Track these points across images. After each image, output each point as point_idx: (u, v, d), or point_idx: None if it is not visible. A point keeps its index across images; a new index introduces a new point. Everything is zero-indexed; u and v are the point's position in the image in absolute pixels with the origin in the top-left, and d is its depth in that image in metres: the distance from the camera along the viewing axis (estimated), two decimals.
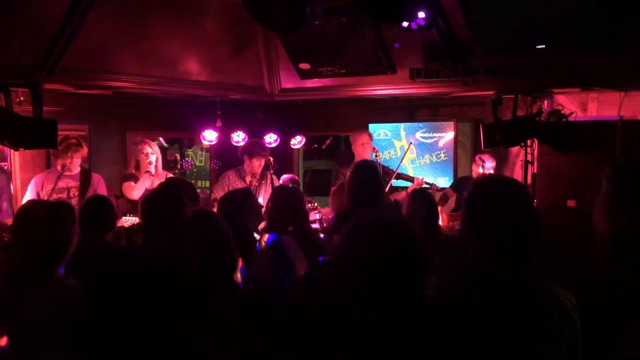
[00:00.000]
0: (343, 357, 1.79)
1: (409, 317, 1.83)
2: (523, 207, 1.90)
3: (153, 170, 5.28)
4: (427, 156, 6.81)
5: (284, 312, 2.01)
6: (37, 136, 4.34)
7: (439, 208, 5.70)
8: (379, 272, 1.81)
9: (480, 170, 5.76)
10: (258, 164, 5.60)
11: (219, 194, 5.48)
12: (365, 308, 1.81)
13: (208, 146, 7.10)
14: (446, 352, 1.77)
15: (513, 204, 1.89)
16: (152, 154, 5.33)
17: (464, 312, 1.81)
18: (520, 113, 5.01)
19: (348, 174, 5.62)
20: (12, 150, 5.34)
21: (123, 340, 2.06)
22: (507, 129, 4.89)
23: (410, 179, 6.06)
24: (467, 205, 1.98)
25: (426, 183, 5.96)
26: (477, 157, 5.92)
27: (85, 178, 5.20)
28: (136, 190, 5.21)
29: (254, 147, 5.69)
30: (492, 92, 5.04)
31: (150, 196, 2.71)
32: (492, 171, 5.80)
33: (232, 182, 5.66)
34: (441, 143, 6.68)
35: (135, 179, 5.32)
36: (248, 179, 5.64)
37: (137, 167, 5.40)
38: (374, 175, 4.07)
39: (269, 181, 5.77)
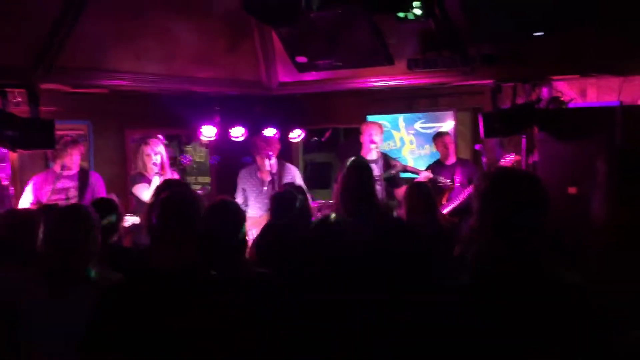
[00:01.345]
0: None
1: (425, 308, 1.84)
2: (539, 200, 1.90)
3: (159, 170, 5.17)
4: (427, 146, 6.80)
5: None
6: (35, 137, 4.34)
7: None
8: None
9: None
10: (266, 160, 5.53)
11: (240, 197, 5.58)
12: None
13: (207, 142, 7.09)
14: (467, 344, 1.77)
15: (530, 197, 1.89)
16: (156, 154, 5.19)
17: (482, 304, 1.80)
18: (519, 101, 4.98)
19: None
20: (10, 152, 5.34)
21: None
22: (507, 117, 4.87)
23: (416, 172, 6.00)
24: (483, 199, 1.96)
25: (433, 177, 5.86)
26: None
27: (83, 178, 5.14)
28: (149, 193, 5.11)
29: (258, 144, 5.64)
30: (490, 81, 5.01)
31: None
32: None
33: (246, 181, 5.62)
34: None
35: (144, 179, 5.19)
36: (260, 175, 5.60)
37: (144, 166, 5.25)
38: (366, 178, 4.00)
39: (286, 170, 5.70)
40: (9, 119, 4.28)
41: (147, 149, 5.22)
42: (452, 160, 5.94)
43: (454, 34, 4.77)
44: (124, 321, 1.99)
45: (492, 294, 1.81)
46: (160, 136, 5.58)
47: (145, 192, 5.03)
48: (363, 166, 3.05)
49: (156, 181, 5.04)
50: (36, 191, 4.92)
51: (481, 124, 4.91)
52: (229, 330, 2.01)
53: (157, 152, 5.21)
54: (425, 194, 3.92)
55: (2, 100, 4.32)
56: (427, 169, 5.99)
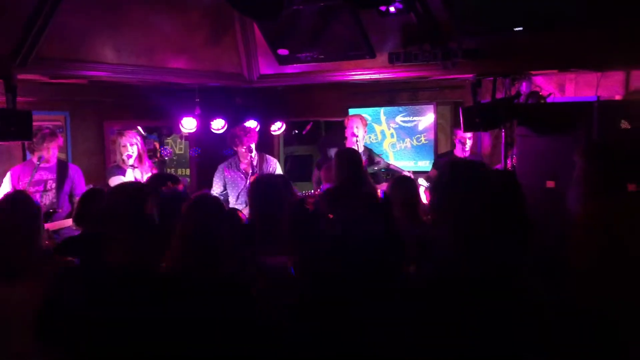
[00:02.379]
0: None
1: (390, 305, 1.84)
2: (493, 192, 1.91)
3: (133, 162, 5.16)
4: (407, 140, 6.83)
5: None
6: (12, 128, 4.26)
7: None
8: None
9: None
10: (246, 150, 5.49)
11: (218, 187, 5.51)
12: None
13: (187, 134, 7.04)
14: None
15: (481, 188, 1.89)
16: (132, 145, 5.19)
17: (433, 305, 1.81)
18: (498, 95, 5.03)
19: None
20: None
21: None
22: (487, 111, 4.91)
23: (400, 171, 5.99)
24: (434, 191, 1.98)
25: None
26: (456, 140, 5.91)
27: (62, 169, 5.13)
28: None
29: (237, 136, 5.59)
30: (471, 75, 5.05)
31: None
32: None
33: (227, 174, 5.56)
34: (421, 126, 6.70)
35: (120, 170, 5.20)
36: (242, 166, 5.55)
37: (121, 158, 5.24)
38: (359, 159, 4.39)
39: (266, 162, 5.67)
40: None
41: (122, 140, 5.22)
42: (466, 154, 5.85)
43: (435, 28, 4.79)
44: (68, 307, 2.01)
45: (452, 291, 1.81)
46: (139, 128, 5.54)
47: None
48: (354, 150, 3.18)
49: (130, 173, 5.02)
50: (14, 182, 4.91)
51: (462, 118, 4.94)
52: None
53: (132, 144, 5.20)
54: (406, 188, 3.93)
55: None
56: (435, 163, 6.04)
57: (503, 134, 5.19)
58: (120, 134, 5.27)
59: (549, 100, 5.11)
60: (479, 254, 1.85)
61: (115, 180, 5.07)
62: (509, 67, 4.90)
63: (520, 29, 4.40)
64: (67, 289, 2.09)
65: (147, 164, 5.33)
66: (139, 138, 5.30)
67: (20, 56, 4.24)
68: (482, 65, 4.87)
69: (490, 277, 1.82)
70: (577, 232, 2.14)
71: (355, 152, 4.75)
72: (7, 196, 2.75)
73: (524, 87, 5.17)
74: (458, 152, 5.84)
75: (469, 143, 5.79)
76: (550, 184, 4.83)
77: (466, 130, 5.13)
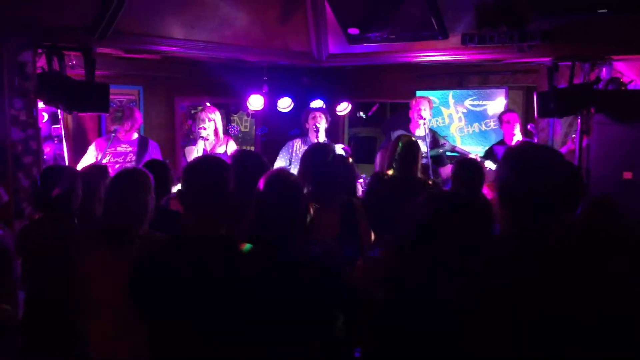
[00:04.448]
0: None
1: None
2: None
3: (205, 135, 5.28)
4: (475, 124, 6.67)
5: None
6: (90, 100, 4.42)
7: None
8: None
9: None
10: (316, 128, 5.50)
11: (282, 161, 5.52)
12: None
13: (253, 112, 7.11)
14: None
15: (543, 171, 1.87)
16: (210, 120, 5.29)
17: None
18: (576, 81, 4.82)
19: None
20: (65, 115, 5.50)
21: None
22: (563, 97, 4.73)
23: (465, 154, 5.86)
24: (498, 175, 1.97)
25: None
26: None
27: (142, 144, 5.37)
28: (194, 154, 5.30)
29: (309, 113, 5.64)
30: (548, 59, 4.85)
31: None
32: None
33: (297, 148, 5.58)
34: (490, 111, 6.51)
35: (193, 142, 5.40)
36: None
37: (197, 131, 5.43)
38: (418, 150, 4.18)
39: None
40: (65, 81, 4.38)
41: (201, 115, 5.36)
42: (516, 140, 5.68)
43: (511, 9, 4.62)
44: (157, 277, 2.11)
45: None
46: (207, 104, 5.66)
47: (190, 155, 5.28)
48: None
49: (201, 144, 5.18)
50: (97, 153, 5.19)
51: (536, 103, 4.78)
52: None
53: (210, 119, 5.31)
54: (471, 171, 3.85)
55: (59, 62, 4.40)
56: (488, 150, 5.85)
57: (579, 121, 4.98)
58: (203, 110, 5.45)
59: (630, 87, 4.87)
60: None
61: (187, 151, 5.36)
62: (589, 51, 4.68)
63: (605, 11, 4.20)
64: (156, 257, 2.20)
65: (222, 138, 5.45)
66: (217, 114, 5.40)
67: (100, 30, 4.36)
68: (561, 49, 4.68)
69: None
70: None
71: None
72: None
73: (604, 73, 4.93)
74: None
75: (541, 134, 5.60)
76: (627, 175, 4.63)
77: (540, 116, 4.96)
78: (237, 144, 5.82)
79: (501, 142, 5.85)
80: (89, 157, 5.19)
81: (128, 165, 5.12)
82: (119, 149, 5.27)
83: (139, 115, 5.44)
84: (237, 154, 3.53)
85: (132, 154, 5.31)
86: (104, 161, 5.07)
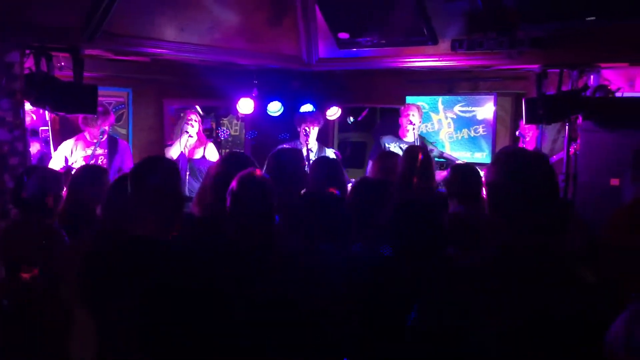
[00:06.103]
0: None
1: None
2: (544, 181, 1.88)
3: (191, 132, 5.45)
4: (464, 130, 6.68)
5: None
6: (78, 101, 4.39)
7: None
8: None
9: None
10: (305, 132, 5.52)
11: None
12: None
13: (243, 116, 7.10)
14: None
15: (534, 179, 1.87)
16: (196, 121, 5.51)
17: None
18: (564, 88, 4.85)
19: (387, 144, 5.57)
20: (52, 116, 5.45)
21: None
22: (552, 104, 4.75)
23: (453, 160, 5.87)
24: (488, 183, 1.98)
25: None
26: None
27: (112, 145, 5.31)
28: (173, 149, 5.45)
29: (302, 117, 5.66)
30: (537, 66, 4.88)
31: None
32: None
33: None
34: (479, 117, 6.54)
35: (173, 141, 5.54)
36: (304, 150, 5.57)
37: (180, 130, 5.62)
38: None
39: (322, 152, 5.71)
40: (53, 82, 4.34)
41: (189, 114, 5.54)
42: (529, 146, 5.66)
43: (501, 15, 4.64)
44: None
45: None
46: (197, 107, 5.69)
47: (168, 152, 5.51)
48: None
49: (184, 139, 5.37)
50: (66, 155, 5.12)
51: (524, 110, 4.80)
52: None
53: (196, 121, 5.50)
54: (466, 177, 3.85)
55: (47, 63, 4.37)
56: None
57: (567, 127, 5.01)
58: (193, 110, 5.69)
59: (617, 95, 4.91)
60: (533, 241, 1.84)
61: (167, 150, 5.57)
62: (578, 59, 4.71)
63: (593, 18, 4.23)
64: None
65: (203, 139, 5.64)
66: (197, 117, 5.52)
67: (88, 31, 4.33)
68: (550, 56, 4.71)
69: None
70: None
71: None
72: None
73: (592, 80, 4.97)
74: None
75: (529, 136, 5.63)
76: (614, 181, 4.66)
77: (528, 122, 4.98)
78: (225, 148, 5.84)
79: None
80: (58, 161, 5.07)
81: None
82: (88, 150, 5.11)
83: (112, 115, 5.43)
84: (228, 157, 3.54)
85: (102, 156, 5.22)
86: (75, 165, 4.94)
